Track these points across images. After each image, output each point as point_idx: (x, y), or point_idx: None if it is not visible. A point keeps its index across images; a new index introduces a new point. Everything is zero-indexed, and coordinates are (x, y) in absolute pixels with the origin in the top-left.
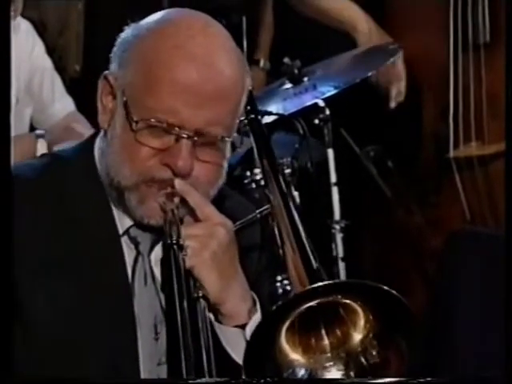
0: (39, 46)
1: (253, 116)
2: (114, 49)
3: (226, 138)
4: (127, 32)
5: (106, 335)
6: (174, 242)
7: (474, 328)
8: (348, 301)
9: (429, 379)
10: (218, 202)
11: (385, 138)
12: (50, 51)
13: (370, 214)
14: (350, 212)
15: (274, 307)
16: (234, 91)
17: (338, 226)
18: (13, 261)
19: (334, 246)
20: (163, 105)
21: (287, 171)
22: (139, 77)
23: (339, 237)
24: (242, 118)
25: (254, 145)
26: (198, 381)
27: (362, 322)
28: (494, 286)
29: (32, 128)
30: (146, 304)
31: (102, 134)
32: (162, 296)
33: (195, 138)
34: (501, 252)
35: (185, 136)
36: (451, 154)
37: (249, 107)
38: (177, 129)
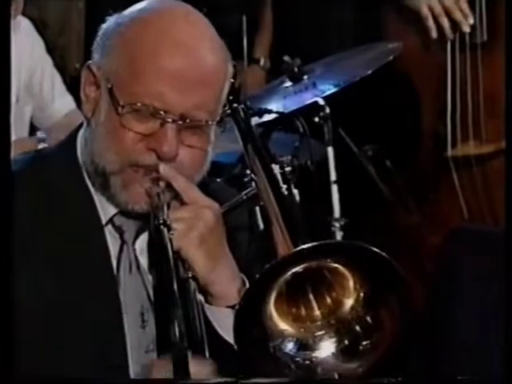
0: (39, 45)
1: (235, 105)
2: (97, 39)
3: (210, 123)
4: (110, 21)
5: (93, 324)
6: (161, 222)
7: (473, 325)
8: (334, 264)
9: (428, 379)
10: (202, 189)
11: (383, 137)
12: (51, 50)
13: (369, 212)
14: (349, 210)
15: (260, 274)
16: (217, 77)
17: (337, 224)
18: (12, 259)
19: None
20: (149, 90)
21: (287, 169)
22: (124, 63)
23: (339, 234)
24: (226, 108)
25: (237, 132)
26: (201, 380)
27: (350, 284)
28: (493, 282)
29: (32, 126)
30: (132, 292)
31: (84, 123)
32: (149, 284)
33: (180, 122)
34: (499, 249)
35: (170, 120)
36: (449, 152)
37: (231, 97)
38: (162, 113)
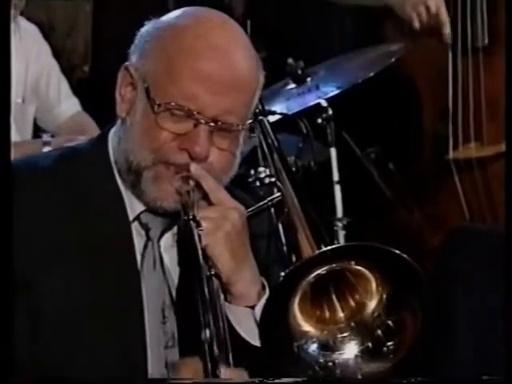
0: (45, 49)
1: (261, 117)
2: (135, 42)
3: (241, 127)
4: (148, 26)
5: (115, 319)
6: (191, 217)
7: (473, 325)
8: (358, 267)
9: (428, 379)
10: (229, 193)
11: (385, 139)
12: (59, 52)
13: (371, 212)
14: (352, 210)
15: (284, 274)
16: (250, 83)
17: (340, 224)
18: (12, 256)
19: (336, 243)
20: (184, 91)
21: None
22: (161, 65)
23: (341, 234)
24: (251, 121)
25: (263, 143)
26: (202, 380)
27: (372, 286)
28: (494, 282)
29: (36, 126)
30: (155, 289)
31: (118, 123)
32: (171, 281)
33: (212, 124)
34: (500, 249)
35: (203, 122)
36: (451, 155)
37: (257, 110)
38: (196, 114)
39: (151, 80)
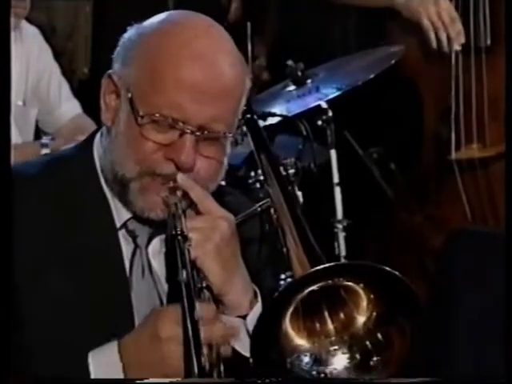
0: (46, 52)
1: (249, 116)
2: (118, 49)
3: (228, 135)
4: (131, 32)
5: (105, 327)
6: (179, 232)
7: (474, 327)
8: (349, 283)
9: (428, 379)
10: (218, 198)
11: (387, 140)
12: (60, 54)
13: (372, 213)
14: (352, 211)
15: (277, 292)
16: (236, 90)
17: (340, 225)
18: (13, 259)
19: (336, 244)
20: (168, 101)
21: (291, 171)
22: (144, 74)
23: (342, 236)
24: (239, 118)
25: (251, 142)
26: (201, 380)
27: (364, 303)
28: (495, 284)
29: (37, 129)
30: (144, 296)
31: (104, 131)
32: (160, 288)
33: (198, 134)
34: (500, 250)
35: (188, 131)
36: (453, 155)
37: (245, 107)
38: (181, 124)
39: (134, 90)
